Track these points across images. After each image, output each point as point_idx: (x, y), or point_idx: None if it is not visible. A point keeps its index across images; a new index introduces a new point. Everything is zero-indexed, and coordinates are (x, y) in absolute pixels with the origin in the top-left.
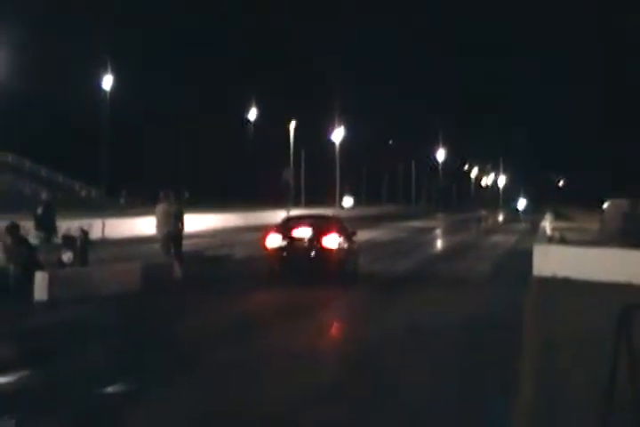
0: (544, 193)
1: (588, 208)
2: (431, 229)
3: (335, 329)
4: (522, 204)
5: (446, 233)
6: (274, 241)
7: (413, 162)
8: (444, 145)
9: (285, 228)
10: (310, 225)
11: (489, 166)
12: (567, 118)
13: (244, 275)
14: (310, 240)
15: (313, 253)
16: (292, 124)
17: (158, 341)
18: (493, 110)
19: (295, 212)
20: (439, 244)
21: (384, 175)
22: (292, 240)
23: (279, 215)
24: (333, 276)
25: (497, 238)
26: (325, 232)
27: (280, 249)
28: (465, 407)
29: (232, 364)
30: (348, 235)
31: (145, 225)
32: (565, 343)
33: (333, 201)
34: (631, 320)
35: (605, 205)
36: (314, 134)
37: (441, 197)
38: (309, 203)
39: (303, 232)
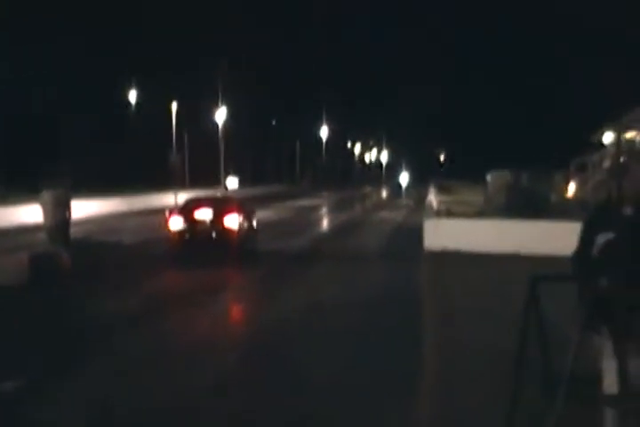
0: (426, 168)
1: (472, 181)
2: (318, 208)
3: (237, 311)
4: (404, 179)
5: (333, 211)
6: (176, 224)
7: (298, 141)
8: (328, 122)
9: (187, 210)
10: (211, 206)
11: (372, 142)
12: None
13: (135, 261)
14: (212, 221)
15: (214, 234)
16: (174, 106)
17: (49, 334)
18: (372, 84)
19: (182, 195)
20: (327, 222)
21: (268, 155)
22: (193, 222)
23: (165, 199)
24: (234, 255)
25: (384, 215)
26: (226, 213)
27: (182, 231)
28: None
29: (127, 355)
30: (247, 214)
31: (27, 213)
32: (465, 315)
33: (218, 182)
34: (538, 291)
35: (488, 177)
36: (197, 115)
37: (325, 175)
38: (194, 185)
39: (204, 214)
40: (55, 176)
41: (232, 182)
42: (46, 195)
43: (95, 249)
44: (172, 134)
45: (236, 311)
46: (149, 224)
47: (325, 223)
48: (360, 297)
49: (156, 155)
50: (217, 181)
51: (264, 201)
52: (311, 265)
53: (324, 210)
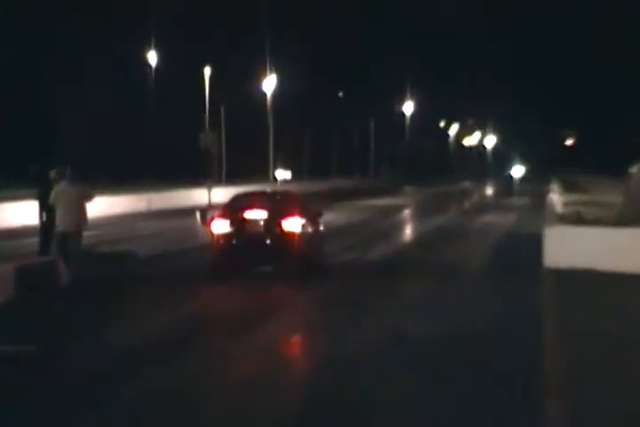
0: (548, 156)
1: (608, 175)
2: (400, 209)
3: (299, 345)
4: (518, 171)
5: (420, 213)
6: (220, 227)
7: (372, 120)
8: (413, 95)
9: (234, 209)
10: (266, 204)
11: (473, 122)
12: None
13: (153, 278)
14: (267, 224)
15: (269, 241)
16: (207, 72)
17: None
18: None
19: (217, 190)
20: (412, 228)
21: (333, 138)
22: (242, 224)
23: (195, 196)
24: (295, 268)
25: (488, 219)
26: (285, 213)
27: (228, 236)
28: None
29: (146, 401)
30: (312, 216)
31: (15, 213)
32: (597, 352)
33: (265, 174)
34: None
35: (633, 171)
36: (237, 85)
37: (409, 165)
38: (233, 177)
39: (257, 214)
40: (49, 164)
41: (283, 175)
42: (61, 189)
43: (102, 261)
44: (203, 109)
45: (296, 346)
46: (174, 229)
47: (410, 230)
48: (455, 333)
49: (181, 137)
50: (263, 172)
51: (327, 200)
52: (392, 285)
53: (408, 212)
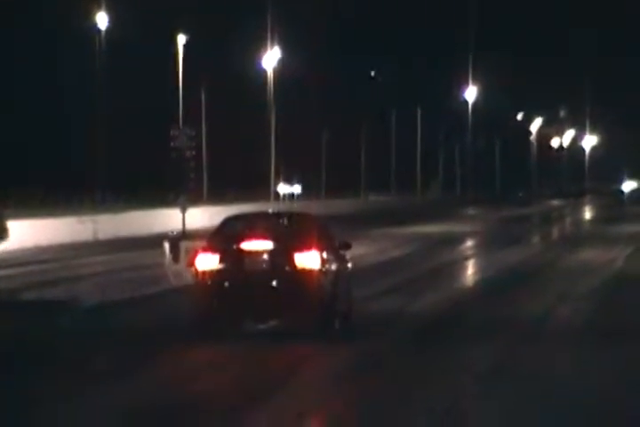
0: None
1: None
2: (458, 240)
3: None
4: (629, 185)
5: (487, 247)
6: (206, 263)
7: (419, 109)
8: (480, 78)
9: (226, 238)
10: (271, 232)
11: (563, 114)
12: None
13: (101, 338)
14: (272, 258)
15: (276, 283)
16: (181, 41)
17: None
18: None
19: (195, 212)
20: (478, 268)
21: (361, 139)
22: (239, 259)
23: (164, 219)
24: (312, 321)
25: (587, 255)
26: (299, 244)
27: (218, 276)
28: None
29: None
30: (335, 249)
31: None
32: None
33: (265, 189)
34: None
35: None
36: (223, 61)
37: (473, 175)
38: (217, 194)
39: (259, 245)
40: None
41: (288, 189)
42: None
43: (22, 313)
44: (176, 95)
45: None
46: (131, 267)
47: (472, 271)
48: None
49: (144, 135)
50: (261, 186)
51: (356, 226)
52: (448, 350)
53: (470, 245)
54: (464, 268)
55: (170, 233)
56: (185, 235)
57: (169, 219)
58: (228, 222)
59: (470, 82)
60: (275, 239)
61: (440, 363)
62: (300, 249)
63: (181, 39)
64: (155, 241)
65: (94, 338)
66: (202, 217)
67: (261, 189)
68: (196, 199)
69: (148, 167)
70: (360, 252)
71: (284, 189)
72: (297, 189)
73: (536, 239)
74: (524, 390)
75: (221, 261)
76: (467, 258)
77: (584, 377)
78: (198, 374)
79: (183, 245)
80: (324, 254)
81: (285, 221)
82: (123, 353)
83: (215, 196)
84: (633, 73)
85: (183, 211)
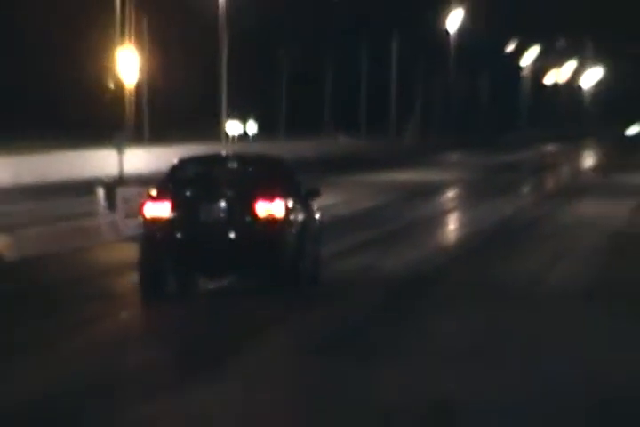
0: None
1: None
2: (437, 189)
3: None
4: (634, 129)
5: (470, 198)
6: (155, 211)
7: (393, 40)
8: (460, 3)
9: (178, 184)
10: (229, 177)
11: (561, 43)
12: None
13: (26, 296)
14: (231, 207)
15: (235, 234)
16: None
17: None
18: None
19: (135, 153)
20: (459, 223)
21: (326, 71)
22: (192, 208)
23: (98, 162)
24: (274, 278)
25: (585, 209)
26: (261, 191)
27: (168, 227)
28: None
29: None
30: (303, 197)
31: None
32: None
33: (216, 128)
34: None
35: None
36: None
37: (456, 116)
38: (161, 134)
39: (216, 191)
40: None
41: (240, 128)
42: None
43: None
44: (112, 16)
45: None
46: (60, 216)
47: (453, 226)
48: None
49: (73, 62)
50: (211, 124)
51: (321, 172)
52: (429, 313)
53: (451, 195)
54: (444, 223)
55: (105, 178)
56: (122, 180)
57: (103, 161)
58: (180, 165)
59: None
60: (233, 186)
61: (408, 336)
62: (263, 197)
63: None
64: (87, 187)
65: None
66: (142, 160)
67: (208, 128)
68: (135, 140)
69: (79, 100)
70: (327, 202)
71: (234, 127)
72: (252, 127)
73: (527, 190)
74: (506, 375)
75: (173, 209)
76: (447, 211)
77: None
78: (140, 339)
79: (120, 191)
80: (290, 203)
81: (245, 165)
82: (49, 315)
83: (157, 135)
84: None
85: (120, 152)
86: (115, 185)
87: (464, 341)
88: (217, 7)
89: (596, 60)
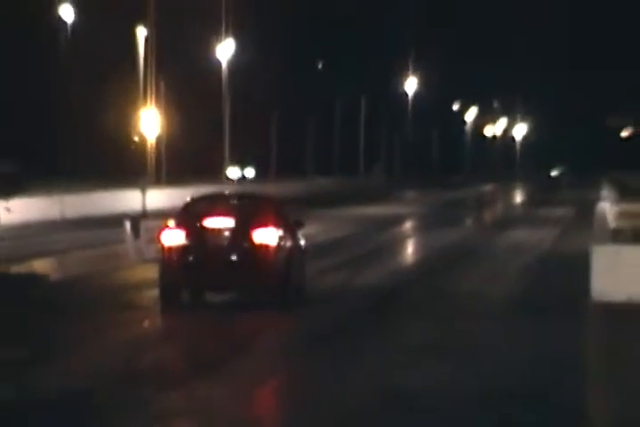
0: (597, 152)
1: None
2: (399, 221)
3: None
4: (557, 170)
5: (425, 228)
6: (172, 238)
7: (362, 99)
8: (419, 72)
9: (191, 216)
10: (232, 210)
11: (497, 104)
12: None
13: (70, 309)
14: (233, 234)
15: (236, 257)
16: (141, 33)
17: None
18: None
19: (154, 193)
20: (416, 247)
21: (309, 126)
22: (202, 236)
23: (126, 200)
24: (268, 293)
25: (518, 236)
26: (257, 221)
27: (182, 251)
28: None
29: None
30: (291, 227)
31: None
32: None
33: (217, 173)
34: None
35: None
36: (180, 52)
37: (414, 161)
38: (174, 177)
39: (221, 222)
40: None
41: (240, 173)
42: None
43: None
44: (136, 83)
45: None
46: (96, 243)
47: (412, 250)
48: (480, 392)
49: (104, 120)
50: (215, 170)
51: (304, 207)
52: (385, 324)
53: (410, 226)
54: (404, 247)
55: (131, 213)
56: (145, 214)
57: (130, 200)
58: (192, 202)
59: (410, 74)
60: (235, 218)
61: (379, 332)
62: (258, 227)
63: (142, 32)
64: (117, 220)
65: (61, 309)
66: (160, 198)
67: (214, 172)
68: (154, 182)
69: (114, 151)
70: (308, 231)
71: (233, 172)
72: (250, 172)
73: (470, 221)
74: (447, 355)
75: (186, 237)
76: (406, 238)
77: (495, 344)
78: (159, 341)
79: (143, 223)
80: (280, 232)
81: (244, 201)
82: (86, 322)
83: (173, 179)
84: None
85: (143, 192)
86: (139, 218)
87: (421, 338)
88: (221, 73)
89: (524, 116)
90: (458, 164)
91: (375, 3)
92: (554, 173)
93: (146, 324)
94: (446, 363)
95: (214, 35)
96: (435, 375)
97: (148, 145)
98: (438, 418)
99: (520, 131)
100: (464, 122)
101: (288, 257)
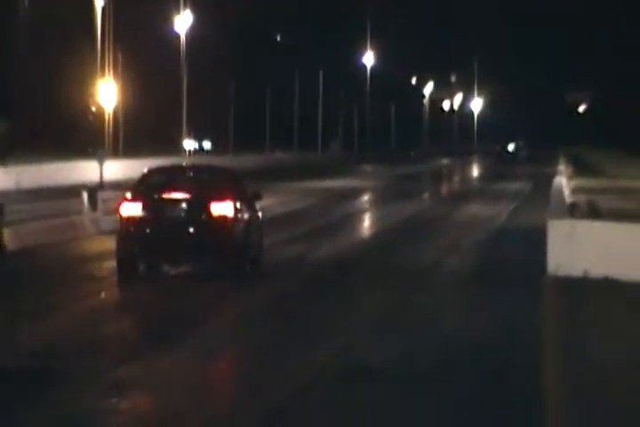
0: (554, 126)
1: (631, 151)
2: (356, 194)
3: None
4: (513, 145)
5: (382, 201)
6: (129, 210)
7: (321, 73)
8: (375, 46)
9: (148, 188)
10: (190, 183)
11: (453, 79)
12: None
13: (25, 279)
14: (190, 206)
15: (193, 228)
16: (99, 3)
17: None
18: None
19: (112, 164)
20: (374, 220)
21: (266, 98)
22: (160, 207)
23: (83, 171)
24: (226, 264)
25: (474, 209)
26: (215, 194)
27: (140, 222)
28: None
29: None
30: (248, 199)
31: None
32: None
33: (173, 145)
34: None
35: None
36: (139, 23)
37: (371, 136)
38: (132, 148)
39: (178, 194)
40: None
41: (195, 145)
42: None
43: None
44: (93, 52)
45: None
46: (53, 214)
47: (369, 223)
48: (430, 364)
49: (60, 90)
50: (172, 142)
51: (261, 180)
52: (344, 294)
53: (367, 199)
54: (361, 219)
55: (88, 184)
56: (102, 185)
57: (87, 170)
58: (149, 174)
59: (369, 48)
60: (193, 190)
61: (336, 304)
62: (216, 199)
63: (99, 2)
64: (74, 191)
65: (19, 280)
66: (117, 169)
67: (172, 144)
68: (112, 154)
69: (69, 122)
70: (266, 203)
71: (190, 144)
72: (207, 144)
73: (427, 194)
74: (399, 328)
75: (144, 209)
76: (363, 211)
77: (451, 313)
78: (116, 313)
79: (100, 194)
80: (238, 204)
81: (202, 174)
82: (43, 293)
83: (130, 150)
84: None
85: (101, 163)
86: (96, 189)
87: (377, 309)
88: (180, 44)
89: (480, 90)
90: (415, 138)
91: None
92: (511, 148)
93: (103, 295)
94: (402, 334)
95: (173, 6)
96: (391, 346)
97: (106, 116)
98: (399, 388)
99: (477, 105)
100: (423, 96)
101: (245, 229)
